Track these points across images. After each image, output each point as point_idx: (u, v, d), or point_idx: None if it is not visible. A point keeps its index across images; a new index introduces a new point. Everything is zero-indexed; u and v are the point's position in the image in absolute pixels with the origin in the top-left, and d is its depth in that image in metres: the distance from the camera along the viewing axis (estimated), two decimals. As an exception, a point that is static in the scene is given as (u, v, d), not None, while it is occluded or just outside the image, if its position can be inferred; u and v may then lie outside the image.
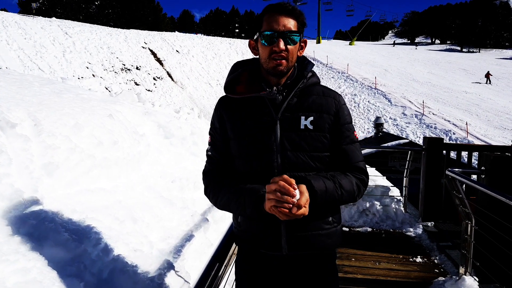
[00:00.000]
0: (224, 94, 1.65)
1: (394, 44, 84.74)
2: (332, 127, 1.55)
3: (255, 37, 1.52)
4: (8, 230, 2.26)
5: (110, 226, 2.83)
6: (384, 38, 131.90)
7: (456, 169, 3.79)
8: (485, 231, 3.32)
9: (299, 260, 1.59)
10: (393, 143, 14.32)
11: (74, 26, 41.63)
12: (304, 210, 1.33)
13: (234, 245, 1.89)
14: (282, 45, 1.44)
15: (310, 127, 1.51)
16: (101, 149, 3.75)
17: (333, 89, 1.66)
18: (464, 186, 3.90)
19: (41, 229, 2.38)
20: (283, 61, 1.47)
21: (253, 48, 1.57)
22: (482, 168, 4.42)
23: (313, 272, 1.62)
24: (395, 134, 20.78)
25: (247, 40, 1.61)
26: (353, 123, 1.64)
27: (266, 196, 1.35)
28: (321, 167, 1.54)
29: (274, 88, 1.53)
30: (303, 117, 1.52)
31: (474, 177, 4.09)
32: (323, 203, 1.43)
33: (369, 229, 5.13)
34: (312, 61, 1.63)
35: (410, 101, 28.72)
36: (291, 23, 1.46)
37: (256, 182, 1.49)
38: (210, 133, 1.66)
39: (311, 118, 1.52)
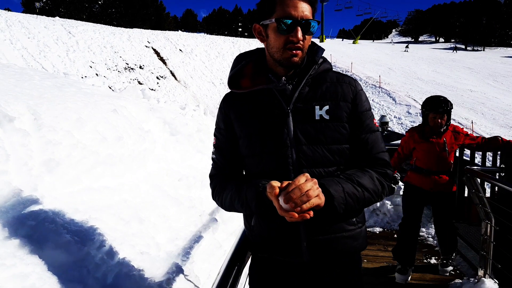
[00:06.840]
0: (228, 91, 1.50)
1: None
2: (350, 116, 1.39)
3: (267, 22, 1.33)
4: (5, 232, 2.13)
5: (115, 227, 2.70)
6: (387, 37, 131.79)
7: (475, 167, 3.66)
8: (506, 231, 3.19)
9: (321, 268, 1.43)
10: (399, 141, 14.22)
11: (77, 26, 41.69)
12: (315, 200, 1.11)
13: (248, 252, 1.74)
14: (300, 34, 1.28)
15: (326, 117, 1.36)
16: (105, 145, 3.61)
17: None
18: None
19: (40, 230, 2.25)
20: (299, 51, 1.31)
21: (258, 33, 1.40)
22: (501, 166, 4.28)
23: (337, 281, 1.45)
24: (400, 133, 20.70)
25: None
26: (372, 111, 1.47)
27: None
28: (340, 161, 1.39)
29: (283, 78, 1.37)
30: (317, 107, 1.36)
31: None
32: (346, 209, 1.26)
33: (380, 229, 5.03)
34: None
35: (414, 100, 28.51)
36: (308, 10, 1.30)
37: None
38: (215, 135, 1.52)
39: (327, 107, 1.36)
